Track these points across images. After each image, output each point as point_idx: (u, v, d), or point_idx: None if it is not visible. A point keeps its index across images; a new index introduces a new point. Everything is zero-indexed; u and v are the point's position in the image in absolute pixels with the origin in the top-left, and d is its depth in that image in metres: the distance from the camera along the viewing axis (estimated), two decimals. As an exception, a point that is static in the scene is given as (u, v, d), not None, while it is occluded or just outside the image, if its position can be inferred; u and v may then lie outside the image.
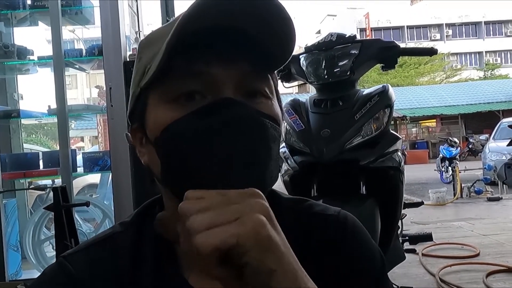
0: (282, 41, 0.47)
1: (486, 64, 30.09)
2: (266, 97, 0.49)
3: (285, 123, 1.60)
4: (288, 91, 1.99)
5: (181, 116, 0.44)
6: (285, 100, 1.71)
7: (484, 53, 31.85)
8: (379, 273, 0.55)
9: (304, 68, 1.64)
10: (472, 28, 32.39)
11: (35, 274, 2.67)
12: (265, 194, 0.48)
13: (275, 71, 0.52)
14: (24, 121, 3.39)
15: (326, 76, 1.57)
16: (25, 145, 3.99)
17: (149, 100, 0.48)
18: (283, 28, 0.46)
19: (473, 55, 32.37)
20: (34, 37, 5.03)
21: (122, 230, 0.54)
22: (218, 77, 0.45)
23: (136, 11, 2.96)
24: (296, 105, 1.61)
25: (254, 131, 0.44)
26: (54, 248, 2.12)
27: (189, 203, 0.37)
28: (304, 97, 1.71)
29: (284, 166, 1.58)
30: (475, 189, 6.59)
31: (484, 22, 31.63)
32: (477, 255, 3.24)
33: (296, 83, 1.85)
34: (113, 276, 0.50)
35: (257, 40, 0.46)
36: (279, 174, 1.65)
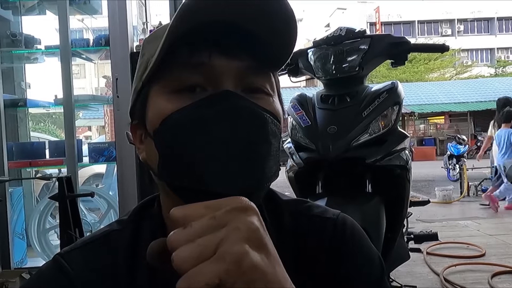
0: (283, 38, 0.46)
1: (497, 61, 29.62)
2: (266, 93, 0.48)
3: (291, 119, 1.57)
4: (295, 85, 1.96)
5: (181, 107, 0.44)
6: (292, 95, 1.69)
7: (496, 49, 31.37)
8: (378, 278, 0.54)
9: (312, 63, 1.61)
10: (484, 24, 31.88)
11: (40, 262, 2.70)
12: (265, 189, 0.47)
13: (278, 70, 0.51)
14: (32, 110, 3.40)
15: (334, 72, 1.54)
16: (32, 134, 4.00)
17: (150, 93, 0.48)
18: (284, 25, 0.45)
19: (484, 52, 31.90)
20: (42, 26, 5.04)
21: (120, 228, 0.54)
22: (219, 70, 0.45)
23: (143, 2, 2.94)
24: (302, 101, 1.59)
25: (254, 123, 0.43)
26: (59, 237, 2.13)
27: (176, 232, 0.33)
28: (311, 92, 1.68)
29: (289, 162, 1.57)
30: (483, 187, 6.51)
31: (497, 18, 31.10)
32: (483, 255, 3.21)
33: (303, 77, 1.82)
34: (110, 275, 0.50)
35: (259, 37, 0.46)
36: (284, 170, 1.64)
